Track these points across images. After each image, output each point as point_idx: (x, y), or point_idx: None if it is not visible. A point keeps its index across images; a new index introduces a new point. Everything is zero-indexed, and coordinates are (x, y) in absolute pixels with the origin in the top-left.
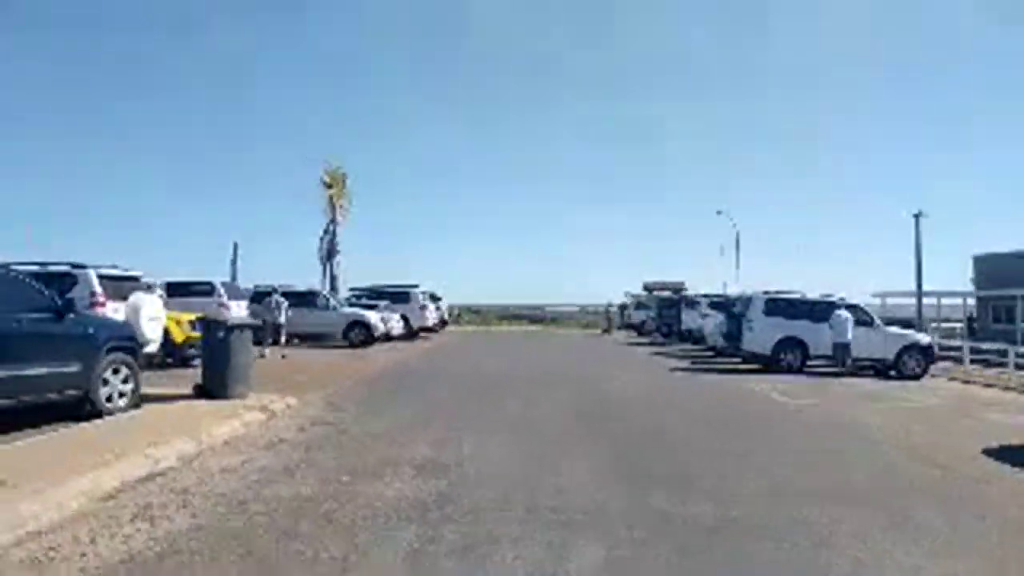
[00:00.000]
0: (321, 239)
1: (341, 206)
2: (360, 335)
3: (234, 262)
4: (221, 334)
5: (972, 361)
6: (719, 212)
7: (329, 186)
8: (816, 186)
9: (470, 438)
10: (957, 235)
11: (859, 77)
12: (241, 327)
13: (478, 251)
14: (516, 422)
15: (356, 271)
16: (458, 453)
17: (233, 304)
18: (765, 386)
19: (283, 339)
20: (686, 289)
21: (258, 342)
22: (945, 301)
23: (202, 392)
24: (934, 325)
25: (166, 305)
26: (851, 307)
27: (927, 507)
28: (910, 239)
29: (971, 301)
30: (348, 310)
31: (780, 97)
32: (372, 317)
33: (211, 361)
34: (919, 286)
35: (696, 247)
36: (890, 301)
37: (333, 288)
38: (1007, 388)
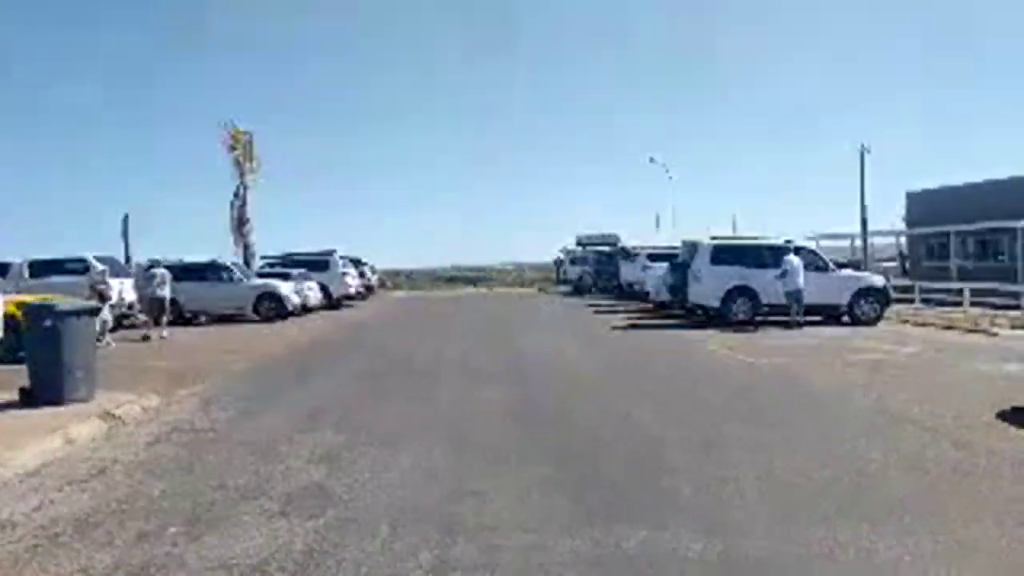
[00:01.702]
0: (231, 207)
1: (249, 169)
2: (271, 309)
3: (125, 236)
4: (48, 322)
5: (922, 301)
6: (652, 159)
7: (233, 148)
8: (748, 128)
9: (374, 449)
10: (891, 174)
11: (795, 11)
12: (78, 312)
13: (408, 216)
14: (438, 417)
15: (278, 242)
16: (353, 473)
17: (115, 282)
18: (717, 343)
19: (166, 318)
20: (620, 241)
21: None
22: (879, 241)
23: (29, 397)
24: (882, 265)
25: (27, 288)
26: (802, 251)
27: (967, 509)
28: (843, 179)
29: (903, 240)
30: (256, 281)
31: (714, 31)
32: (283, 288)
33: (38, 357)
34: (864, 225)
35: (628, 197)
36: (825, 244)
37: (247, 259)
38: (971, 330)
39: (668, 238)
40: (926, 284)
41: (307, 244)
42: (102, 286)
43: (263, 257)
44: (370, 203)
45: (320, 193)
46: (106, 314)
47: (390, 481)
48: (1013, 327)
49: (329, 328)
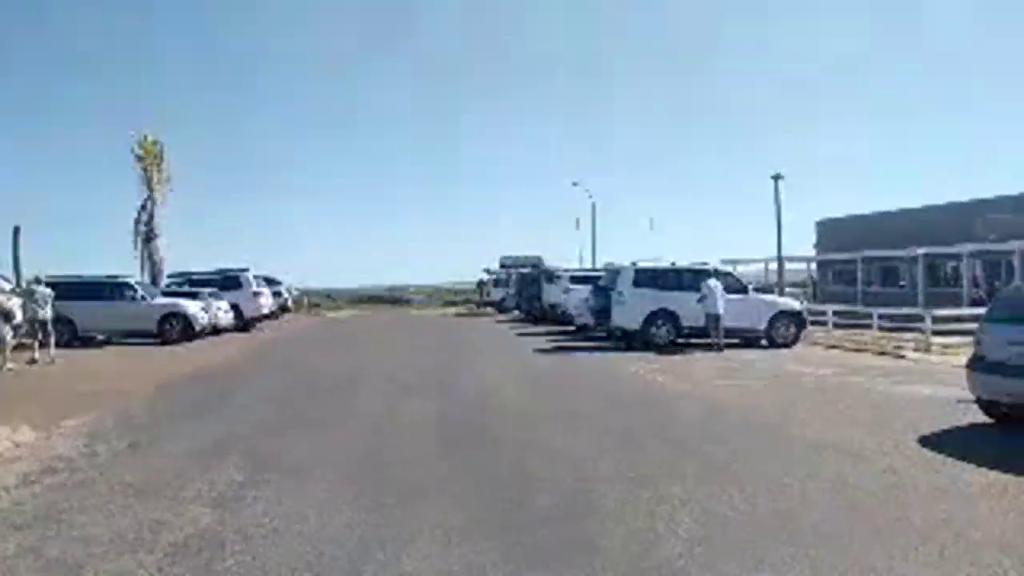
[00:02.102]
0: (136, 220)
1: (158, 182)
2: (177, 330)
3: (15, 250)
4: None
5: (834, 325)
6: (575, 184)
7: (140, 159)
8: (666, 155)
9: (277, 485)
10: (804, 202)
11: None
12: None
13: (328, 236)
14: (352, 447)
15: (191, 260)
16: (252, 516)
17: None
18: (642, 367)
19: (52, 339)
20: (543, 264)
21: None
22: (791, 267)
23: None
24: (788, 290)
25: None
26: (722, 275)
27: (914, 545)
28: (757, 206)
29: (813, 266)
30: (161, 300)
31: (631, 70)
32: (191, 307)
33: None
34: (779, 250)
35: (550, 221)
36: (740, 269)
37: (153, 276)
38: (881, 352)
39: (583, 259)
40: (838, 308)
41: (221, 262)
42: (8, 304)
43: (170, 275)
44: (290, 222)
45: (235, 208)
46: (5, 333)
47: (292, 527)
48: (916, 349)
49: (239, 350)
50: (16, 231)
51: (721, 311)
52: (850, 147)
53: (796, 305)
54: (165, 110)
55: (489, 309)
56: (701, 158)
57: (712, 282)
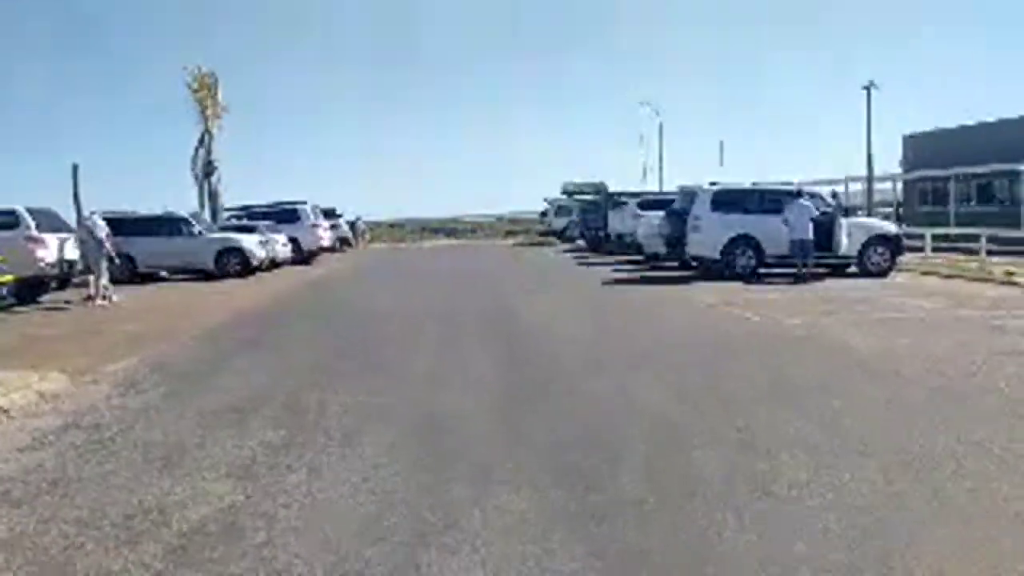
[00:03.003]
0: (194, 155)
1: (214, 114)
2: (234, 264)
3: (75, 188)
4: None
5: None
6: (643, 104)
7: (196, 90)
8: (736, 71)
9: (315, 453)
10: (885, 118)
11: None
12: None
13: (390, 167)
14: (404, 400)
15: (252, 194)
16: (281, 495)
17: (50, 237)
18: (723, 299)
19: (103, 277)
20: (607, 189)
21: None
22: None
23: None
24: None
25: None
26: (810, 196)
27: None
28: (835, 123)
29: (898, 186)
30: (217, 235)
31: None
32: (247, 241)
33: None
34: (870, 166)
35: (614, 144)
36: (817, 190)
37: (214, 211)
38: (993, 280)
39: (654, 184)
40: (936, 231)
41: (284, 196)
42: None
43: (228, 209)
44: (352, 152)
45: (298, 141)
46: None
47: (328, 509)
48: None
49: (295, 286)
50: (75, 169)
51: (810, 236)
52: (947, 56)
53: (892, 228)
54: (224, 47)
55: (552, 239)
56: (775, 71)
57: (801, 203)
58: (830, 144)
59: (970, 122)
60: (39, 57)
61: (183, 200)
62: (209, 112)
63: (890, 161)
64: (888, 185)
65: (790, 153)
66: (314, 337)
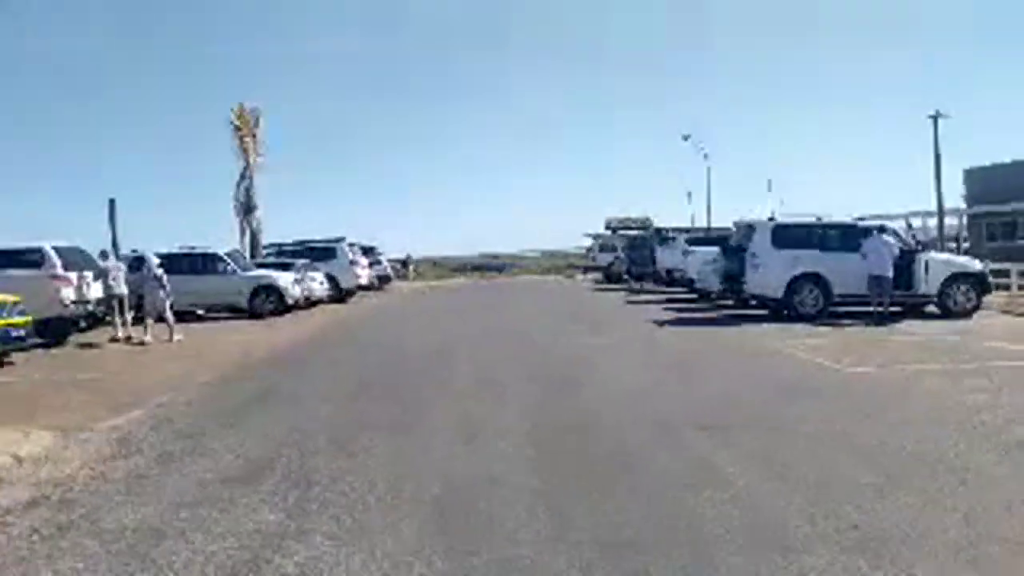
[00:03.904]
0: (235, 191)
1: (255, 150)
2: (269, 303)
3: (112, 223)
4: None
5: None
6: (686, 137)
7: (239, 128)
8: (786, 103)
9: (315, 543)
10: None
11: None
12: None
13: (433, 204)
14: (432, 472)
15: (295, 231)
16: None
17: (77, 276)
18: (800, 346)
19: (125, 315)
20: (652, 225)
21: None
22: (931, 222)
23: None
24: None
25: None
26: (887, 230)
27: None
28: (891, 156)
29: (952, 220)
30: (252, 273)
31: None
32: (283, 280)
33: None
34: (939, 200)
35: (656, 180)
36: (888, 224)
37: (253, 248)
38: None
39: (695, 218)
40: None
41: (327, 232)
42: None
43: (266, 246)
44: (391, 189)
45: (339, 177)
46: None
47: None
48: None
49: (329, 327)
50: (112, 204)
51: (890, 273)
52: (1011, 89)
53: (977, 265)
54: (270, 83)
55: (596, 275)
56: (828, 96)
57: (882, 237)
58: (884, 177)
59: None
60: (80, 94)
61: (227, 238)
62: (250, 148)
63: (948, 195)
64: (951, 220)
65: (842, 188)
66: (336, 387)
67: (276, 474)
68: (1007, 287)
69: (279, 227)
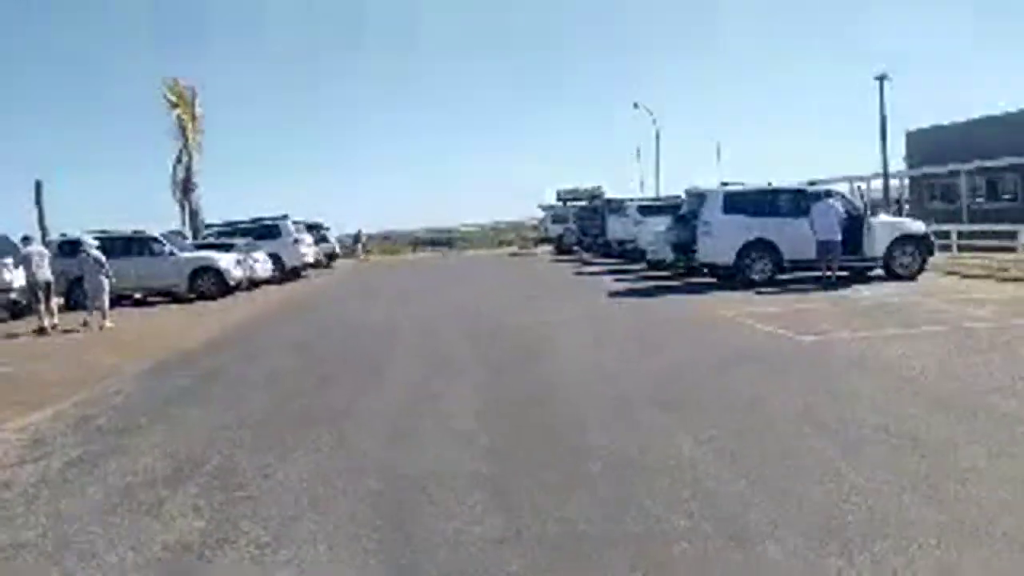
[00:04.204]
0: (173, 171)
1: (193, 128)
2: (209, 285)
3: (39, 206)
4: None
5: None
6: (636, 105)
7: (175, 105)
8: (724, 65)
9: (240, 556)
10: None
11: None
12: None
13: (380, 179)
14: (359, 475)
15: (233, 210)
16: None
17: None
18: (742, 311)
19: (54, 303)
20: (603, 195)
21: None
22: (874, 183)
23: None
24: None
25: None
26: (834, 195)
27: None
28: (829, 118)
29: (895, 183)
30: (191, 254)
31: None
32: (223, 260)
33: None
34: (885, 163)
35: (607, 150)
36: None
37: (194, 228)
38: None
39: (644, 185)
40: (964, 228)
41: (272, 211)
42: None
43: (208, 226)
44: (336, 165)
45: (280, 155)
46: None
47: None
48: None
49: (273, 309)
50: (38, 186)
51: (838, 237)
52: (943, 45)
53: (920, 227)
54: (214, 58)
55: (547, 247)
56: (764, 66)
57: (828, 202)
58: (828, 141)
59: (974, 116)
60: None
61: (168, 218)
62: (188, 126)
63: (892, 158)
64: (894, 183)
65: (787, 151)
66: (274, 375)
67: (205, 475)
68: (948, 247)
69: (222, 206)
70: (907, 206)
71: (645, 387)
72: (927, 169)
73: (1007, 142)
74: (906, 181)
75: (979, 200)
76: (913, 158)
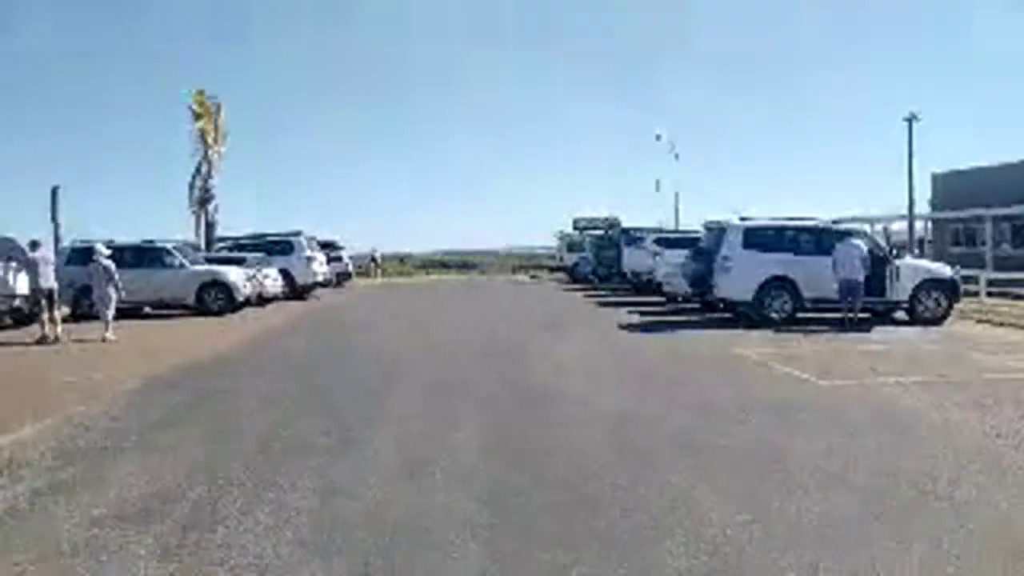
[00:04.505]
0: (191, 183)
1: (215, 141)
2: (217, 299)
3: (54, 213)
4: None
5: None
6: (658, 137)
7: (199, 116)
8: (758, 104)
9: None
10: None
11: None
12: None
13: (400, 200)
14: (352, 528)
15: (257, 225)
16: None
17: (2, 267)
18: (761, 352)
19: (58, 312)
20: (620, 225)
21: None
22: (896, 226)
23: None
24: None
25: None
26: (860, 234)
27: None
28: (851, 161)
29: (918, 224)
30: (200, 268)
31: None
32: (232, 275)
33: None
34: (911, 205)
35: (626, 181)
36: (858, 228)
37: (208, 241)
38: None
39: (663, 221)
40: (992, 275)
41: (290, 226)
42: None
43: (220, 239)
44: (362, 186)
45: (309, 172)
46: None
47: None
48: None
49: (282, 327)
50: (55, 192)
51: (861, 277)
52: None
53: (947, 271)
54: (242, 68)
55: (562, 275)
56: (780, 110)
57: (852, 241)
58: (854, 181)
59: (1005, 160)
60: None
61: (183, 230)
62: (209, 138)
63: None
64: (917, 224)
65: (811, 189)
66: (274, 401)
67: (183, 510)
68: (975, 293)
69: (239, 220)
70: (929, 248)
71: (664, 426)
72: (951, 213)
73: None
74: (929, 224)
75: (1004, 245)
76: (938, 200)
